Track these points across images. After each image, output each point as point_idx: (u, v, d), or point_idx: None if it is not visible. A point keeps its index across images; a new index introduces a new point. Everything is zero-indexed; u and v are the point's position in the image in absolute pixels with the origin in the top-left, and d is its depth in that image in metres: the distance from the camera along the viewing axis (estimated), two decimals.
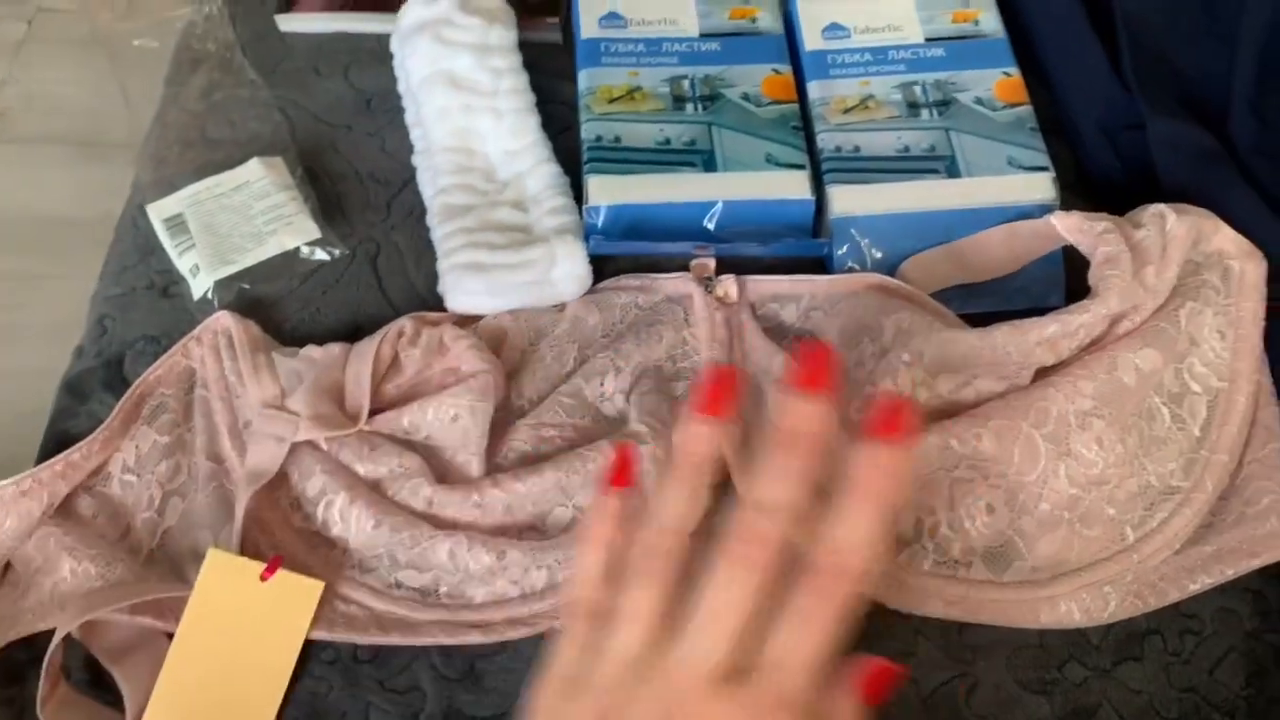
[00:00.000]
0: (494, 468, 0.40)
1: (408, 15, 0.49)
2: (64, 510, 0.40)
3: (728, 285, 0.44)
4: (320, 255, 0.47)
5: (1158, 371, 0.39)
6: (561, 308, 0.44)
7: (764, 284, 0.45)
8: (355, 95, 0.53)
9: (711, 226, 0.46)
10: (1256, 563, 0.37)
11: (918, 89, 0.49)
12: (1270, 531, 0.37)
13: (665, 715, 0.24)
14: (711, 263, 0.45)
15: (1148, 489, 0.38)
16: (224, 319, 0.43)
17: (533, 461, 0.40)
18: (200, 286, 0.46)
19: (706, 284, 0.44)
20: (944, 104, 0.48)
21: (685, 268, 0.45)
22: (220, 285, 0.46)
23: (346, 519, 0.38)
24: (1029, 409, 0.38)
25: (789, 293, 0.44)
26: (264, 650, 0.37)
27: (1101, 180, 0.49)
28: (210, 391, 0.42)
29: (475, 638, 0.38)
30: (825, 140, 0.48)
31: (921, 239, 0.45)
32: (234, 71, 0.53)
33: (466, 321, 0.44)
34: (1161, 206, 0.41)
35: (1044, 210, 0.45)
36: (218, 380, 0.42)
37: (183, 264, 0.46)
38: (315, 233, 0.46)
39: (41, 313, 1.03)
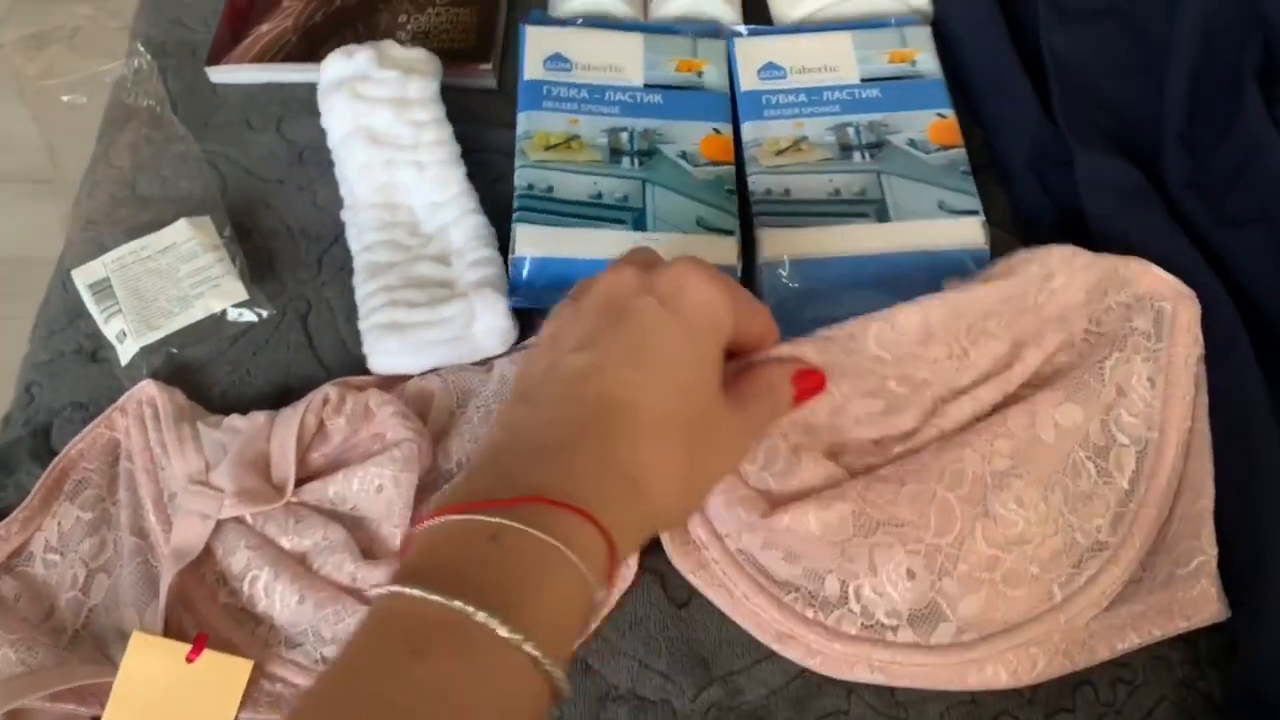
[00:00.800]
0: None
1: (327, 71, 0.48)
2: None
3: None
4: (248, 316, 0.46)
5: (1079, 427, 0.39)
6: (489, 367, 0.44)
7: None
8: (287, 148, 0.53)
9: None
10: (1185, 625, 0.37)
11: (851, 131, 0.49)
12: (1200, 594, 0.37)
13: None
14: None
15: (1073, 546, 0.38)
16: (148, 389, 0.43)
17: None
18: (127, 353, 0.45)
19: None
20: (876, 146, 0.48)
21: None
22: (147, 351, 0.45)
23: (271, 595, 0.38)
24: (943, 472, 0.38)
25: None
26: None
27: (1033, 220, 0.48)
28: (135, 464, 0.42)
29: None
30: (756, 183, 0.47)
31: (850, 283, 0.45)
32: (164, 127, 0.52)
33: (392, 384, 0.43)
34: (1069, 249, 0.40)
35: (973, 255, 0.45)
36: (142, 452, 0.42)
37: (109, 330, 0.46)
38: (242, 294, 0.46)
39: None
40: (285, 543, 0.39)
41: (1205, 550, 0.37)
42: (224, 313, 0.46)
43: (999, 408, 0.39)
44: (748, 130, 0.49)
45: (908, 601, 0.37)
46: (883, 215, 0.46)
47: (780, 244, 0.45)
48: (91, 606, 0.40)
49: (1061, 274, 0.40)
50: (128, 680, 0.37)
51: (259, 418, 0.41)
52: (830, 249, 0.45)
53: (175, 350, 0.46)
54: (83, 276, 0.47)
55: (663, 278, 0.32)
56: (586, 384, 0.30)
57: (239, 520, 0.39)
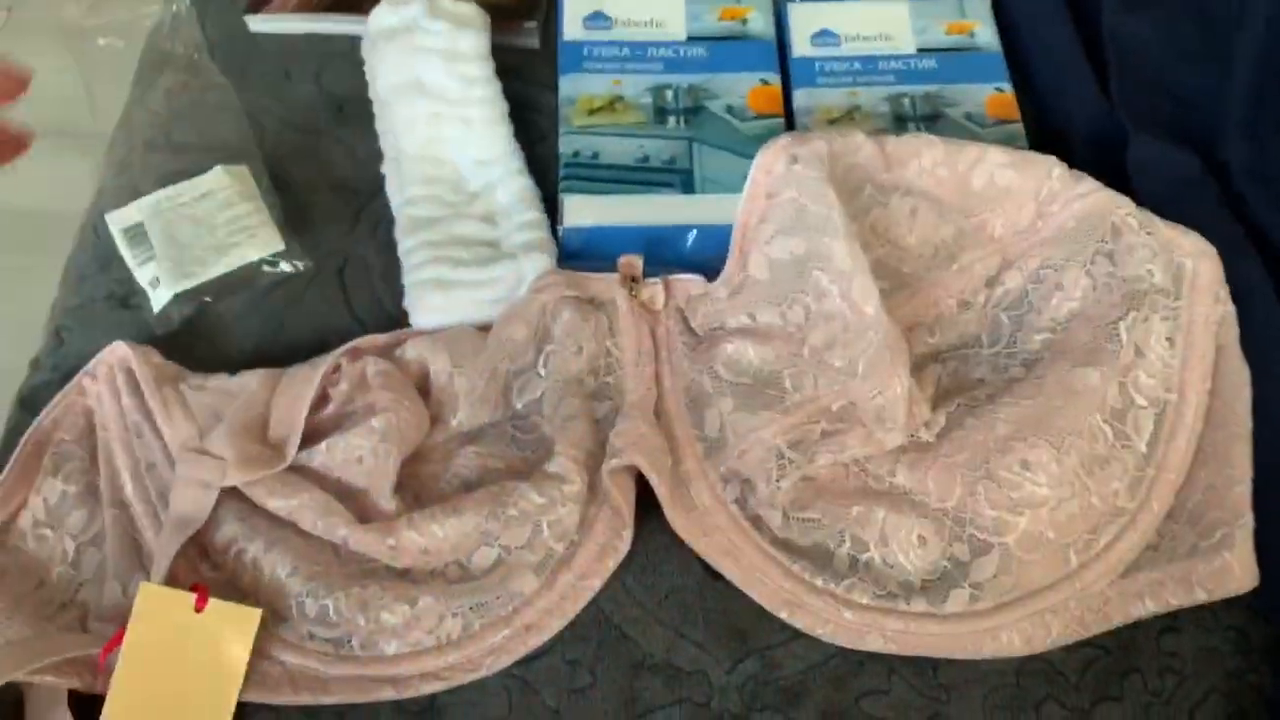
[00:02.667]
0: (435, 494, 0.38)
1: (376, 21, 0.47)
2: None
3: (654, 290, 0.42)
4: (284, 268, 0.45)
5: (1096, 389, 0.38)
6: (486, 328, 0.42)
7: (693, 284, 0.42)
8: (326, 99, 0.52)
9: (687, 250, 0.44)
10: (1205, 597, 0.36)
11: (906, 102, 0.47)
12: (1222, 567, 0.36)
13: None
14: (639, 261, 0.42)
15: (1090, 510, 0.37)
16: (120, 350, 0.41)
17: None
18: (160, 300, 0.44)
19: (632, 286, 0.42)
20: (932, 118, 0.47)
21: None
22: (180, 299, 0.44)
23: (259, 568, 0.37)
24: (945, 440, 0.37)
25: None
26: (206, 682, 0.36)
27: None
28: (110, 432, 0.40)
29: (389, 694, 0.36)
30: None
31: None
32: (201, 73, 0.51)
33: (391, 349, 0.42)
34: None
35: None
36: (117, 419, 0.40)
37: (142, 275, 0.45)
38: (279, 244, 0.45)
39: (16, 307, 1.01)
40: (272, 505, 0.37)
41: (1231, 522, 0.36)
42: (260, 263, 0.45)
43: (1005, 382, 0.39)
44: (800, 97, 0.48)
45: (920, 571, 0.37)
46: None
47: None
48: (82, 581, 0.38)
49: (1060, 198, 0.40)
50: (138, 631, 0.36)
51: (250, 380, 0.40)
52: None
53: (209, 299, 0.45)
54: (117, 221, 0.46)
55: None
56: None
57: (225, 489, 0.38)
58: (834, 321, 0.38)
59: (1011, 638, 0.36)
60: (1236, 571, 0.36)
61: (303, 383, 0.39)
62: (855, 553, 0.37)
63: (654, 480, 0.38)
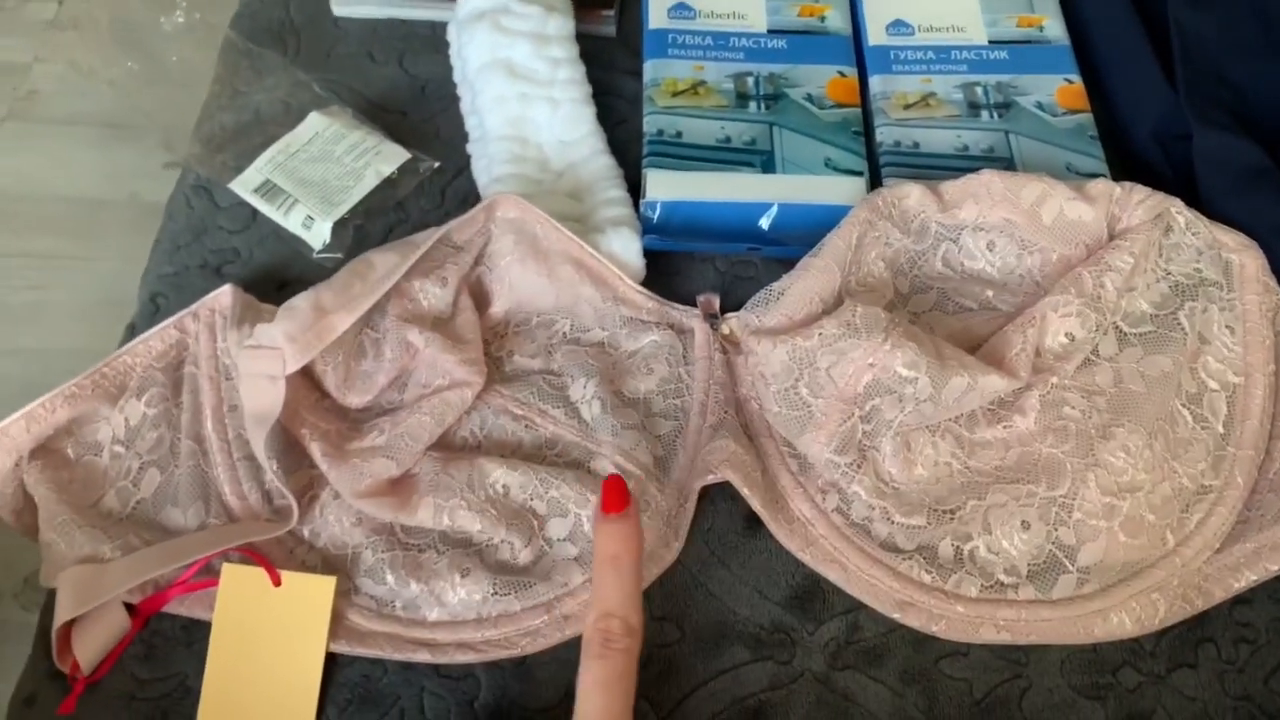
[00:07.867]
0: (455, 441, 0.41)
1: (466, 3, 0.49)
2: (48, 470, 0.40)
3: (732, 323, 0.43)
4: (424, 165, 0.48)
5: (1170, 375, 0.40)
6: None
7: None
8: (410, 81, 0.53)
9: (766, 227, 0.45)
10: None
11: (979, 90, 0.49)
12: None
13: None
14: (716, 300, 0.44)
15: (1182, 491, 0.39)
16: (224, 297, 0.43)
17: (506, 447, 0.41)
18: (320, 235, 0.46)
19: (711, 322, 0.43)
20: (1004, 106, 0.48)
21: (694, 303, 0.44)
22: (337, 229, 0.46)
23: (325, 514, 0.39)
24: (1045, 431, 0.39)
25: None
26: (293, 650, 0.37)
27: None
28: (200, 370, 0.42)
29: (424, 656, 0.37)
30: (884, 135, 0.48)
31: None
32: (285, 65, 0.53)
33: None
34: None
35: None
36: (209, 359, 0.42)
37: (292, 222, 0.46)
38: (405, 154, 0.48)
39: (68, 293, 1.03)
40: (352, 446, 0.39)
41: None
42: (395, 177, 0.47)
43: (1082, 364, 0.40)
44: (875, 83, 0.49)
45: (1025, 556, 0.38)
46: None
47: None
48: (139, 499, 0.40)
49: (1124, 215, 0.42)
50: (225, 607, 0.37)
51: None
52: None
53: (361, 223, 0.47)
54: (242, 186, 0.47)
55: None
56: None
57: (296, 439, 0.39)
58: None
59: (1122, 619, 0.37)
60: None
61: (351, 273, 0.41)
62: (959, 543, 0.38)
63: (748, 495, 0.39)
